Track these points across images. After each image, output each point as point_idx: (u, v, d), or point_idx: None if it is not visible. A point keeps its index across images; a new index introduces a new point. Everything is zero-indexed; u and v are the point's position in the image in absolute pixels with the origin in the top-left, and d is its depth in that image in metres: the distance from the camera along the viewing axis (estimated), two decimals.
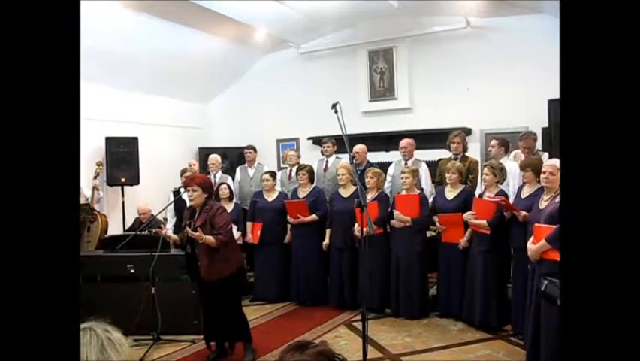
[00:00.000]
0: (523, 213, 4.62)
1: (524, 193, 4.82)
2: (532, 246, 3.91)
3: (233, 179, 7.56)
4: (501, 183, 5.25)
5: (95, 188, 7.07)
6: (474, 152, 6.99)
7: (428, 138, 7.49)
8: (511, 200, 5.04)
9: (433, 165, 6.64)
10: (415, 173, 5.83)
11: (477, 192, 5.54)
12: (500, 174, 5.17)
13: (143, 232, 5.61)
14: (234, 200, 6.78)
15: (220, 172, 7.54)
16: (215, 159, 7.55)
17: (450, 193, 5.56)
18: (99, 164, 7.26)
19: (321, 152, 7.21)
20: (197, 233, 4.26)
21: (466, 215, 5.22)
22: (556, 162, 4.11)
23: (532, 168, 4.67)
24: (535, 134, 5.86)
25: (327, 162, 7.03)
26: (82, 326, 1.47)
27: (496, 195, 5.05)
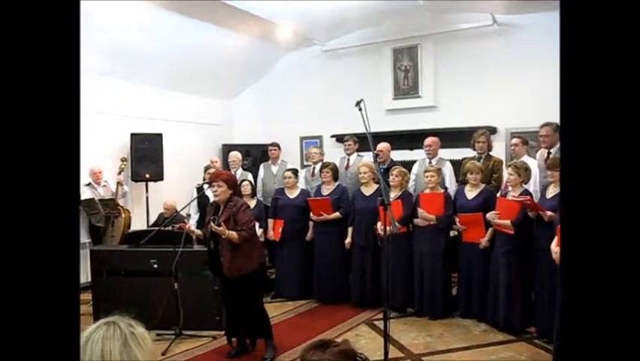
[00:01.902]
0: (549, 213, 4.55)
1: (549, 193, 4.75)
2: (557, 248, 3.84)
3: (256, 176, 7.57)
4: (526, 183, 5.18)
5: (119, 183, 7.15)
6: (498, 151, 6.90)
7: (452, 137, 7.41)
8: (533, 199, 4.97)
9: (456, 164, 6.57)
10: (440, 172, 5.79)
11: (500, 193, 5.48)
12: (525, 173, 5.10)
13: (166, 228, 5.65)
14: (256, 197, 6.80)
15: (241, 169, 7.55)
16: (235, 155, 7.57)
17: (470, 193, 5.50)
18: (123, 160, 7.34)
19: (344, 150, 7.20)
20: (220, 228, 4.28)
21: (490, 215, 5.16)
22: None
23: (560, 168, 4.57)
24: (556, 124, 5.60)
25: (348, 160, 7.01)
26: (106, 320, 1.49)
27: (520, 194, 4.98)
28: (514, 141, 5.99)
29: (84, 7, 5.77)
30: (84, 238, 7.14)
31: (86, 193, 6.96)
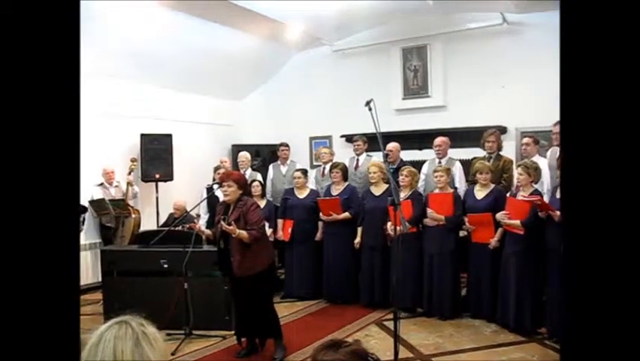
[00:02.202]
0: (559, 212, 4.52)
1: (560, 193, 4.72)
2: None
3: (265, 176, 7.58)
4: (536, 183, 5.15)
5: (129, 184, 7.18)
6: (509, 151, 6.86)
7: (462, 137, 7.39)
8: (545, 198, 4.94)
9: (466, 164, 6.54)
10: (449, 172, 5.77)
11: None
12: (535, 173, 5.07)
13: (176, 228, 5.68)
14: (266, 197, 6.81)
15: (250, 169, 7.56)
16: (244, 156, 7.57)
17: (479, 193, 5.49)
18: (133, 160, 7.37)
19: (354, 150, 7.19)
20: (231, 227, 4.29)
21: (499, 215, 5.14)
22: None
23: None
24: None
25: (357, 160, 7.00)
26: (117, 319, 1.49)
27: (530, 194, 4.96)
28: (526, 140, 5.95)
29: (96, 9, 5.83)
30: (95, 239, 7.19)
31: (97, 193, 6.99)
